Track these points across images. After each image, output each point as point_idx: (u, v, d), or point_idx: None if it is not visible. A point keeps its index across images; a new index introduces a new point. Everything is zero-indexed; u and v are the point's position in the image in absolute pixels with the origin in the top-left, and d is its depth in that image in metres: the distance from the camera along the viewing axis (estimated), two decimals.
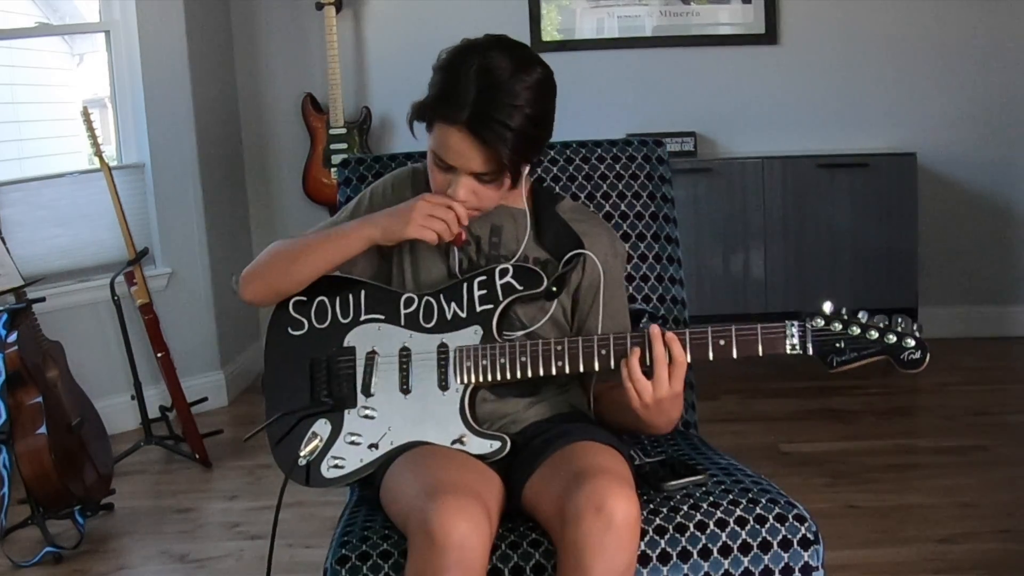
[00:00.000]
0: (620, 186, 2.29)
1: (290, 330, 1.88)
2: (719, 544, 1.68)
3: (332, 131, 4.57)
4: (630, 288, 2.23)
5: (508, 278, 1.81)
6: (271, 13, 4.74)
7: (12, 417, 2.98)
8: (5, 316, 3.06)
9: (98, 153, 3.66)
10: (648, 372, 1.69)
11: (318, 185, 4.64)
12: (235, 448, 3.80)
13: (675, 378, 1.69)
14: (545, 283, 1.81)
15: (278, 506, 1.76)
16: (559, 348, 1.75)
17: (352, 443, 1.79)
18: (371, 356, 1.82)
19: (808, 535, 1.70)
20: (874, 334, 1.67)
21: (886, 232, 4.42)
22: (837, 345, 1.68)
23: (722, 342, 1.70)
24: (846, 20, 4.67)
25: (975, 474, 3.27)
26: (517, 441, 1.78)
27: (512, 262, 1.84)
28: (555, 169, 2.30)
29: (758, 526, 1.70)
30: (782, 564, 1.69)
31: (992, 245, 4.77)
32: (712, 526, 1.69)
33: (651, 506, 1.73)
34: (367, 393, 1.80)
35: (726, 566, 1.68)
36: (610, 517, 1.53)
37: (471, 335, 1.80)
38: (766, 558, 1.68)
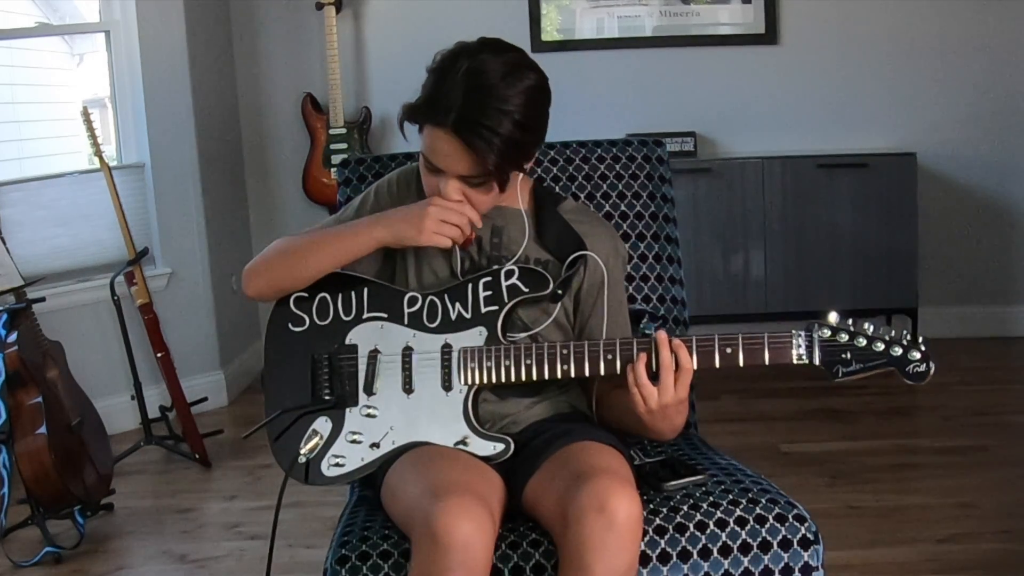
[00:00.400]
0: (620, 186, 2.29)
1: (291, 326, 1.87)
2: (719, 544, 1.68)
3: (332, 131, 4.57)
4: (630, 288, 2.23)
5: (514, 280, 1.81)
6: (271, 13, 4.74)
7: (12, 417, 2.98)
8: (5, 316, 3.07)
9: (98, 153, 3.66)
10: (654, 378, 1.69)
11: (318, 185, 4.64)
12: (235, 448, 3.80)
13: (681, 384, 1.70)
14: (551, 285, 1.81)
15: (278, 505, 1.75)
16: (565, 352, 1.74)
17: (353, 442, 1.78)
18: (374, 355, 1.81)
19: (808, 535, 1.70)
20: (880, 346, 1.67)
21: (886, 232, 4.42)
22: (843, 356, 1.68)
23: (728, 350, 1.70)
24: (846, 20, 4.67)
25: (975, 474, 3.27)
26: (518, 441, 1.78)
27: (517, 264, 1.84)
28: (555, 169, 2.30)
29: (758, 526, 1.70)
30: (782, 564, 1.69)
31: (992, 245, 4.77)
32: (712, 526, 1.69)
33: (651, 506, 1.73)
34: (369, 392, 1.80)
35: (726, 566, 1.68)
36: (612, 517, 1.53)
37: (475, 336, 1.79)
38: (766, 558, 1.69)
